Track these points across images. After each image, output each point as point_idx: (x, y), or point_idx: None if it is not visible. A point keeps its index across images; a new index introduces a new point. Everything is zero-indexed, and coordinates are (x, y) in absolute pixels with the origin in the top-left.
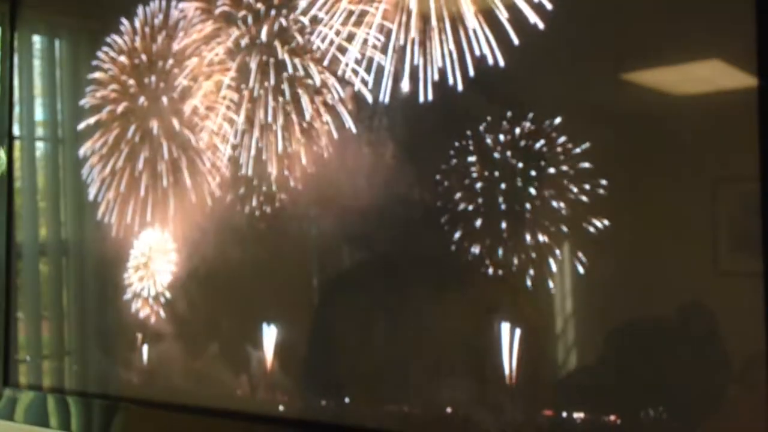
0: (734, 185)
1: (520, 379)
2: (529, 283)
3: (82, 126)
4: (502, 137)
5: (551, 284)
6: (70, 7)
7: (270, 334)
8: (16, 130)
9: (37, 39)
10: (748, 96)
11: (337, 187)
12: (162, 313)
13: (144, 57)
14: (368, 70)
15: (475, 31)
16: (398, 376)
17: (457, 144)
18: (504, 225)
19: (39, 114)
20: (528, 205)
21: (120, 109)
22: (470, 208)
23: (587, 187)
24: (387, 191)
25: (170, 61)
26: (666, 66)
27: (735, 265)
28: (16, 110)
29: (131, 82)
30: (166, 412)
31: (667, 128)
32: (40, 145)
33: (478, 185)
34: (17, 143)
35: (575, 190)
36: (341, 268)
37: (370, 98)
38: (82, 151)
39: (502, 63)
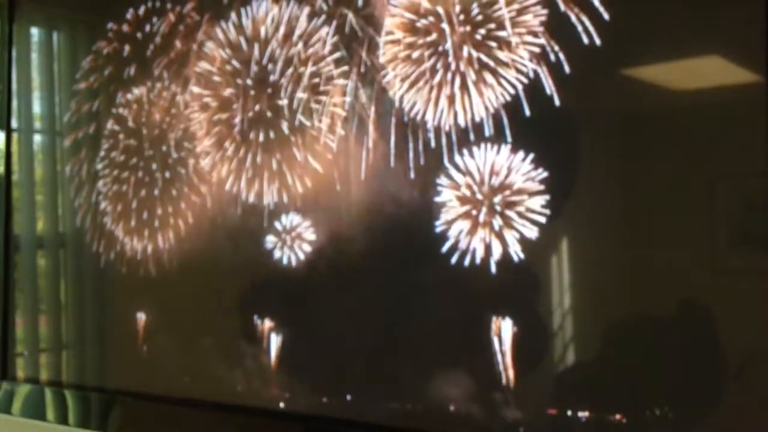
0: (735, 181)
1: (519, 376)
2: (527, 280)
3: (68, 142)
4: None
5: (549, 281)
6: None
7: (267, 329)
8: (13, 123)
9: (35, 32)
10: (751, 92)
11: (332, 189)
12: (159, 306)
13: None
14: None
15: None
16: (396, 372)
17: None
18: (500, 222)
19: (37, 107)
20: (522, 204)
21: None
22: (463, 208)
23: (585, 183)
24: (381, 189)
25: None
26: (670, 61)
27: (734, 262)
28: (14, 103)
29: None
30: (163, 405)
31: (668, 124)
32: (37, 138)
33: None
34: (15, 136)
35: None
36: (339, 265)
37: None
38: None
39: None
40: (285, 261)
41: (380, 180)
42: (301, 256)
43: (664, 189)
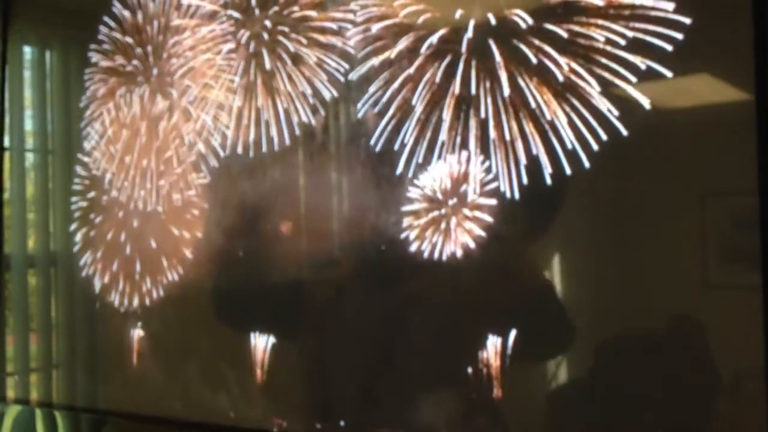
0: (724, 199)
1: (511, 400)
2: (518, 297)
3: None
4: None
5: (540, 299)
6: (62, 18)
7: (259, 354)
8: (6, 141)
9: (28, 50)
10: (740, 110)
11: (329, 209)
12: (151, 327)
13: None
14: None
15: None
16: (388, 397)
17: None
18: (491, 243)
19: (29, 125)
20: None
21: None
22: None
23: (580, 198)
24: (372, 216)
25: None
26: (660, 79)
27: (725, 278)
28: (7, 121)
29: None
30: (155, 426)
31: (659, 141)
32: (29, 156)
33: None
34: (6, 154)
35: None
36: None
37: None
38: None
39: None
40: (276, 287)
41: (363, 205)
42: (290, 282)
43: (654, 206)
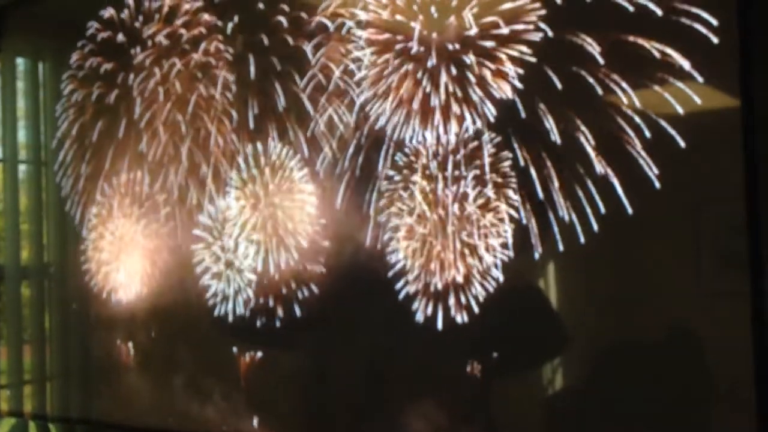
0: (717, 206)
1: (502, 415)
2: (516, 305)
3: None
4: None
5: (536, 306)
6: (55, 30)
7: (252, 368)
8: None
9: (20, 61)
10: (730, 118)
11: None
12: (145, 339)
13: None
14: None
15: None
16: (380, 412)
17: None
18: (489, 254)
19: (22, 136)
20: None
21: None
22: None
23: (573, 208)
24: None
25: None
26: (650, 88)
27: (720, 284)
28: None
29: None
30: None
31: (652, 151)
32: (22, 168)
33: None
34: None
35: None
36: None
37: None
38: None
39: None
40: (270, 302)
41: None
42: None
43: (648, 214)
